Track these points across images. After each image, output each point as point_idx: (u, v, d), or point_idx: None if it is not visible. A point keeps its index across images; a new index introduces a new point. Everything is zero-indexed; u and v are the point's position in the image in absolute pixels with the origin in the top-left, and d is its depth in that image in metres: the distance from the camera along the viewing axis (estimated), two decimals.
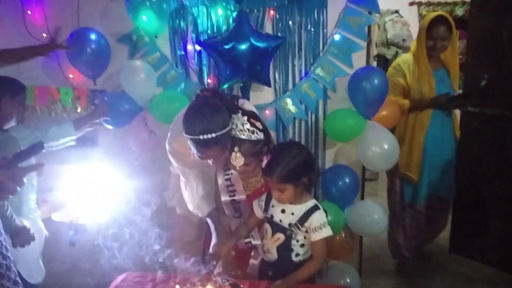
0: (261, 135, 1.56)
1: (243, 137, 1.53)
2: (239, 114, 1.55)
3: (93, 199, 2.29)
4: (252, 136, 1.54)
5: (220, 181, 1.75)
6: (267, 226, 1.60)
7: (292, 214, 1.54)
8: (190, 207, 1.82)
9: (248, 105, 1.79)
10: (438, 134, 2.49)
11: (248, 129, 1.53)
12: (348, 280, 2.10)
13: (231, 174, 1.72)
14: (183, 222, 2.03)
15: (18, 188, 1.19)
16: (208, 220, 1.81)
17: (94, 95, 2.31)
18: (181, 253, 2.01)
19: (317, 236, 1.51)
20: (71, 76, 2.32)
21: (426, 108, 2.45)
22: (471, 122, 2.64)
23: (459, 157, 2.59)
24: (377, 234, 2.11)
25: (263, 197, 1.63)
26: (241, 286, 1.41)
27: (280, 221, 1.55)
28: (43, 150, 1.32)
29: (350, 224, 2.09)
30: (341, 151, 2.29)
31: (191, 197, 1.80)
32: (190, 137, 1.51)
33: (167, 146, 1.77)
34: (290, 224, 1.53)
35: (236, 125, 1.54)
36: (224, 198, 1.74)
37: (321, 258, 1.55)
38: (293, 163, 1.46)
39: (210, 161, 1.64)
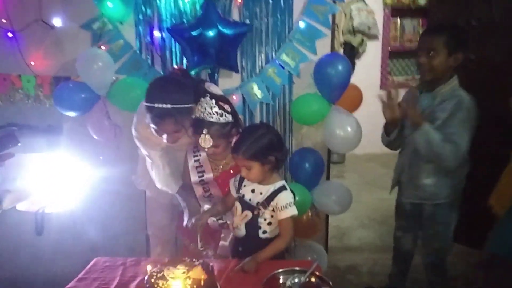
0: (229, 117, 1.62)
1: (211, 119, 1.59)
2: (207, 98, 1.59)
3: (59, 188, 2.26)
4: (221, 118, 1.60)
5: (190, 162, 1.80)
6: (237, 204, 1.67)
7: (261, 193, 1.61)
8: (159, 185, 1.86)
9: (215, 89, 1.83)
10: None
11: (216, 112, 1.59)
12: (315, 256, 2.20)
13: (200, 155, 1.78)
14: (153, 205, 2.05)
15: None
16: (178, 197, 1.86)
17: (57, 82, 2.26)
18: (153, 237, 2.05)
19: (283, 214, 1.59)
20: (32, 63, 2.26)
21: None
22: None
23: None
24: (342, 212, 2.22)
25: (238, 177, 1.69)
26: (211, 265, 1.45)
27: (250, 200, 1.63)
28: (19, 144, 1.28)
29: (317, 204, 2.18)
30: (307, 135, 2.37)
31: (158, 176, 1.84)
32: (147, 104, 1.54)
33: (133, 132, 1.78)
34: (257, 203, 1.60)
35: (205, 108, 1.58)
36: (194, 178, 1.80)
37: (288, 235, 1.63)
38: (259, 141, 1.53)
39: (164, 138, 1.63)
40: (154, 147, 1.78)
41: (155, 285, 1.35)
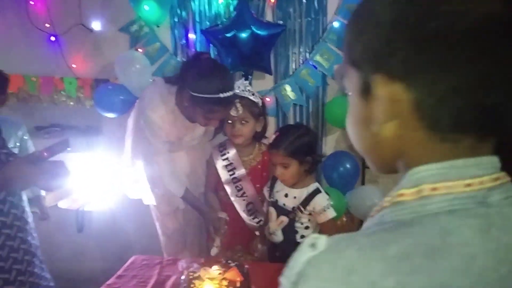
0: (259, 101, 1.75)
1: (244, 95, 1.70)
2: (242, 79, 1.76)
3: (99, 186, 2.34)
4: (252, 97, 1.72)
5: (218, 163, 1.80)
6: (271, 210, 1.65)
7: (294, 197, 1.59)
8: (160, 187, 1.78)
9: None
10: None
11: (249, 90, 1.73)
12: None
13: (228, 153, 1.79)
14: (157, 214, 1.96)
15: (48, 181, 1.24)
16: (185, 202, 1.81)
17: (97, 84, 2.34)
18: (168, 243, 2.00)
19: (323, 218, 1.57)
20: (74, 66, 2.35)
21: None
22: None
23: None
24: None
25: (269, 183, 1.70)
26: (246, 267, 1.45)
27: (284, 204, 1.61)
28: (69, 148, 1.33)
29: (352, 209, 2.14)
30: (341, 138, 2.33)
31: (162, 178, 1.75)
32: (209, 96, 1.51)
33: (145, 116, 1.66)
34: (293, 208, 1.59)
35: (238, 87, 1.69)
36: (225, 177, 1.80)
37: None
38: (300, 139, 1.53)
39: (213, 126, 1.68)
40: (163, 139, 1.69)
41: (191, 285, 1.36)
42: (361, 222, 2.46)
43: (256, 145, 1.83)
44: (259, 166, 1.81)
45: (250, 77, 2.24)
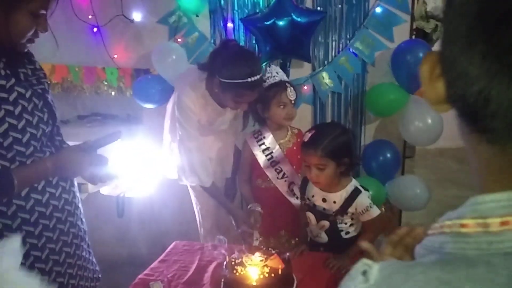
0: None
1: (284, 78, 1.80)
2: (272, 66, 1.83)
3: (139, 174, 2.40)
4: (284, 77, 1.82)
5: (256, 149, 1.84)
6: (309, 215, 1.61)
7: (334, 202, 1.54)
8: (188, 171, 1.81)
9: None
10: None
11: (282, 72, 1.82)
12: None
13: (264, 137, 1.83)
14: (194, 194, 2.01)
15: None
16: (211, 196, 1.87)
17: (138, 74, 2.39)
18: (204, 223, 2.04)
19: (366, 217, 1.52)
20: (115, 56, 2.40)
21: None
22: None
23: None
24: (418, 209, 2.11)
25: (298, 182, 1.69)
26: (288, 255, 1.45)
27: (324, 209, 1.57)
28: (120, 139, 1.37)
29: (392, 199, 2.09)
30: (381, 127, 2.27)
31: (188, 160, 1.79)
32: (238, 81, 1.56)
33: (179, 101, 1.72)
34: (334, 212, 1.54)
35: (277, 72, 1.78)
36: (264, 162, 1.84)
37: (378, 229, 1.57)
38: (339, 139, 1.46)
39: (242, 109, 1.72)
40: (195, 124, 1.74)
41: (234, 270, 1.38)
42: (400, 212, 2.40)
43: (287, 127, 1.88)
44: (295, 148, 1.85)
45: (288, 64, 2.22)
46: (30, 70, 1.22)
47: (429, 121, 1.98)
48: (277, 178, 1.84)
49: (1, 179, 1.09)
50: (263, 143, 1.84)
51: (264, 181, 1.88)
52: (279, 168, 1.84)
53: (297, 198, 1.83)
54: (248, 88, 1.59)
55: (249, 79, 1.55)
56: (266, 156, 1.84)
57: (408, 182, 2.10)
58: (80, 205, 1.39)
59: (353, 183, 1.55)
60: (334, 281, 1.40)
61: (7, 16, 1.05)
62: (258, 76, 1.58)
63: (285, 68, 2.23)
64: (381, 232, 1.62)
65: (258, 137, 1.86)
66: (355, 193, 1.51)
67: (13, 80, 1.12)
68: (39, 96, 1.19)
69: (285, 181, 1.84)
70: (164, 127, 1.95)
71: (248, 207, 1.85)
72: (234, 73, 1.56)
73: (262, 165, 1.84)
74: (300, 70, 2.25)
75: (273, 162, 1.84)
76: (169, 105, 1.91)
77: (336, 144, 1.45)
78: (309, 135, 1.49)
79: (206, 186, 1.83)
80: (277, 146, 1.84)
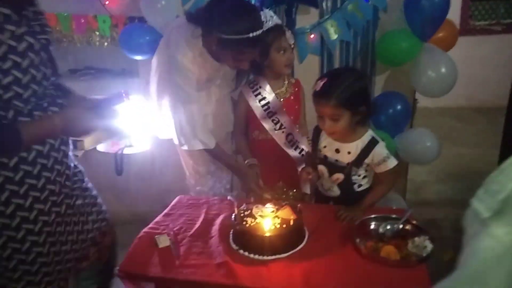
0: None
1: (279, 22, 1.70)
2: (265, 10, 1.68)
3: (136, 130, 2.30)
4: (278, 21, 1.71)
5: (251, 99, 1.76)
6: (322, 168, 1.53)
7: (349, 153, 1.46)
8: (189, 135, 1.69)
9: None
10: None
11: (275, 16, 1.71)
12: (393, 207, 2.08)
13: (260, 87, 1.76)
14: (186, 156, 1.90)
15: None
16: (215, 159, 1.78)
17: (132, 22, 2.22)
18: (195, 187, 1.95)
19: (382, 168, 1.45)
20: (107, 2, 2.23)
21: None
22: None
23: None
24: (428, 162, 2.05)
25: (309, 134, 1.61)
26: (299, 206, 1.39)
27: (337, 161, 1.49)
28: (128, 99, 1.29)
29: (401, 153, 2.03)
30: (391, 77, 2.17)
31: (194, 129, 1.68)
32: (239, 37, 1.44)
33: (176, 62, 1.57)
34: (348, 163, 1.46)
35: (271, 16, 1.65)
36: (260, 113, 1.76)
37: (392, 182, 1.52)
38: (354, 86, 1.35)
39: (243, 68, 1.60)
40: (194, 84, 1.63)
41: (244, 222, 1.32)
42: (406, 169, 2.36)
43: (284, 76, 1.80)
44: (292, 98, 1.79)
45: (294, 10, 2.07)
46: (32, 13, 1.11)
47: (443, 69, 1.88)
48: (274, 129, 1.78)
49: (9, 135, 1.03)
50: (259, 93, 1.76)
51: (261, 133, 1.81)
52: (276, 119, 1.77)
53: (295, 149, 1.78)
54: (250, 45, 1.47)
55: (250, 35, 1.43)
56: (262, 106, 1.76)
57: (418, 135, 2.03)
58: (71, 163, 1.30)
59: (370, 133, 1.47)
60: (346, 232, 1.35)
61: None
62: (260, 31, 1.46)
63: (290, 15, 2.09)
64: (394, 185, 1.57)
65: (254, 87, 1.77)
66: (373, 143, 1.43)
67: (24, 28, 1.03)
68: (45, 49, 1.11)
69: (283, 132, 1.78)
70: (151, 83, 1.79)
71: (246, 162, 1.77)
72: (235, 29, 1.43)
73: (258, 116, 1.77)
74: (307, 17, 2.11)
75: (270, 113, 1.77)
76: (154, 61, 1.75)
77: (351, 92, 1.34)
78: (321, 83, 1.37)
79: (210, 148, 1.70)
80: (274, 96, 1.76)
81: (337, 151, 1.47)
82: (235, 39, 1.44)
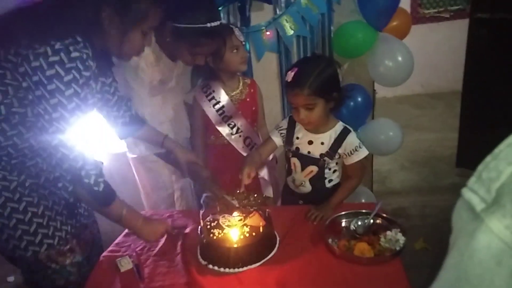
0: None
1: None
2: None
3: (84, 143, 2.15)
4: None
5: (205, 104, 1.69)
6: (294, 161, 1.50)
7: (322, 143, 1.43)
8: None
9: None
10: None
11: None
12: (363, 200, 2.08)
13: (213, 91, 1.69)
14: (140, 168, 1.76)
15: None
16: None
17: None
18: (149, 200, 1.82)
19: (354, 158, 1.44)
20: None
21: None
22: (480, 29, 2.52)
23: (467, 65, 2.49)
24: (393, 151, 2.05)
25: (283, 124, 1.52)
26: (268, 211, 1.33)
27: (309, 152, 1.45)
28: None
29: (365, 144, 2.00)
30: (350, 70, 2.15)
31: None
32: (196, 26, 1.38)
33: (137, 61, 1.48)
34: (321, 155, 1.44)
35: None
36: (215, 118, 1.70)
37: (361, 175, 1.51)
38: (325, 73, 1.32)
39: (199, 63, 1.52)
40: (146, 83, 1.54)
41: (211, 234, 1.24)
42: (371, 161, 2.36)
43: (239, 77, 1.74)
44: (248, 99, 1.73)
45: (247, 7, 2.00)
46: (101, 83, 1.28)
47: (400, 58, 1.88)
48: (231, 134, 1.72)
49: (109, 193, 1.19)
50: (213, 98, 1.69)
51: (217, 138, 1.74)
52: (233, 123, 1.71)
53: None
54: (208, 36, 1.42)
55: (208, 25, 1.38)
56: (217, 111, 1.69)
57: (380, 125, 2.02)
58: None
59: (341, 123, 1.46)
60: (318, 233, 1.31)
61: (123, 35, 1.13)
62: (217, 22, 1.42)
63: (244, 13, 2.02)
64: (361, 180, 1.56)
65: (207, 91, 1.70)
66: (345, 132, 1.43)
67: (99, 85, 1.25)
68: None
69: (240, 136, 1.72)
70: None
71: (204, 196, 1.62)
72: (191, 17, 1.37)
73: (213, 121, 1.70)
74: (261, 14, 2.05)
75: (225, 117, 1.70)
76: None
77: (323, 79, 1.31)
78: (291, 74, 1.34)
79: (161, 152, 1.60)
80: (228, 99, 1.69)
81: (310, 142, 1.45)
82: (191, 28, 1.37)
